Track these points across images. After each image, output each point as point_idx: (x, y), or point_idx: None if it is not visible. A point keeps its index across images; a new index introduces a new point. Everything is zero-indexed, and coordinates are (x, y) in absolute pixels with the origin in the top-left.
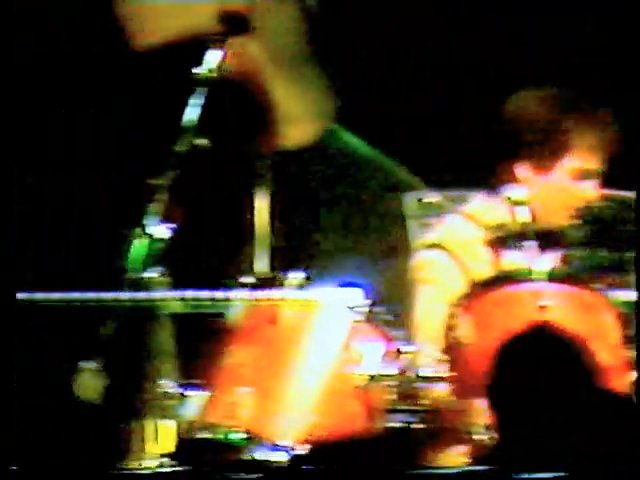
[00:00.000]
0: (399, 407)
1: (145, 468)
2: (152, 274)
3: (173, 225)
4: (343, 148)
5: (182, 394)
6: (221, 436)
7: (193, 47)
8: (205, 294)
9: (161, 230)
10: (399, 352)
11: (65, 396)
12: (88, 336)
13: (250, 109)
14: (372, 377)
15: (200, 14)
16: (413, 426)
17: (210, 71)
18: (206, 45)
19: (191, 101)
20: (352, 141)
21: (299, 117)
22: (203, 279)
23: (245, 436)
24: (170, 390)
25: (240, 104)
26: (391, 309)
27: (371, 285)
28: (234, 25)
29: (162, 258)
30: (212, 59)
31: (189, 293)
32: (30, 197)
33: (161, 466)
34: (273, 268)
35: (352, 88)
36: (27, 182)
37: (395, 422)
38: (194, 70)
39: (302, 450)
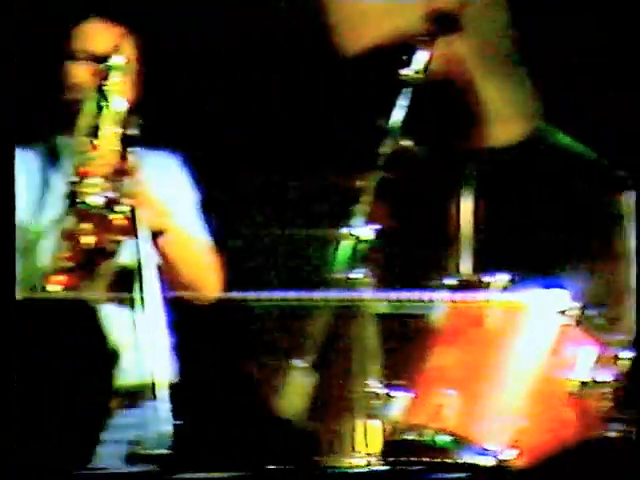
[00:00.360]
0: (615, 416)
1: (354, 467)
2: (357, 275)
3: (378, 226)
4: (553, 146)
5: (388, 394)
6: (427, 438)
7: (400, 48)
8: (409, 295)
9: (366, 231)
10: (616, 358)
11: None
12: (295, 336)
13: (456, 109)
14: (585, 383)
15: (409, 14)
16: (630, 436)
17: (417, 72)
18: (414, 46)
19: (397, 102)
20: (563, 139)
21: (507, 116)
22: (407, 280)
23: (451, 439)
24: (376, 390)
25: (446, 104)
26: (604, 313)
27: (580, 288)
28: (444, 25)
29: (367, 259)
30: (419, 60)
31: (393, 294)
32: (242, 196)
33: (369, 465)
34: (477, 269)
35: (560, 86)
36: (238, 183)
37: (611, 431)
38: (401, 71)
39: (510, 455)
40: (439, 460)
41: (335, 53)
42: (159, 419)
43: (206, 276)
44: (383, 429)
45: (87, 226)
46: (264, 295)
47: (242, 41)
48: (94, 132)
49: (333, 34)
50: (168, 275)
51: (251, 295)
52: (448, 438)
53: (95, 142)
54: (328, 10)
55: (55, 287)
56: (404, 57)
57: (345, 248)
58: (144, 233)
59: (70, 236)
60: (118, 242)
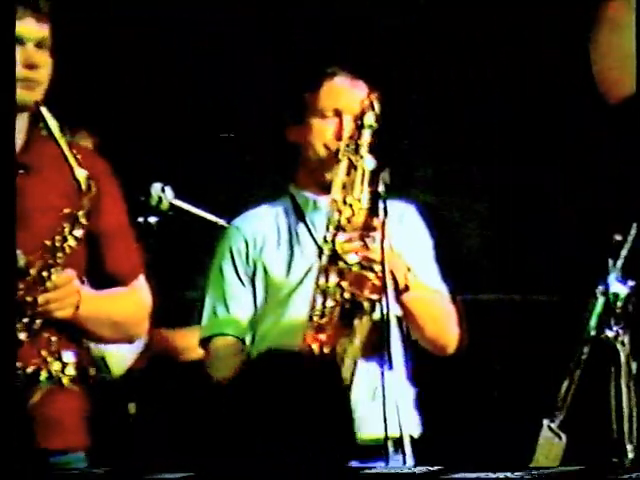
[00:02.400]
0: None
1: None
2: (612, 333)
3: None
4: None
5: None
6: None
7: None
8: None
9: (622, 288)
10: None
11: None
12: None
13: None
14: None
15: None
16: None
17: None
18: None
19: None
20: None
21: None
22: None
23: None
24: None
25: None
26: None
27: None
28: None
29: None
30: None
31: None
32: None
33: None
34: None
35: None
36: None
37: None
38: None
39: None
40: None
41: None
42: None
43: (448, 329)
44: None
45: (345, 283)
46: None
47: None
48: (346, 189)
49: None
50: (412, 330)
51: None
52: None
53: (347, 199)
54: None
55: (314, 344)
56: None
57: (601, 305)
58: (392, 290)
59: (327, 293)
60: (372, 300)
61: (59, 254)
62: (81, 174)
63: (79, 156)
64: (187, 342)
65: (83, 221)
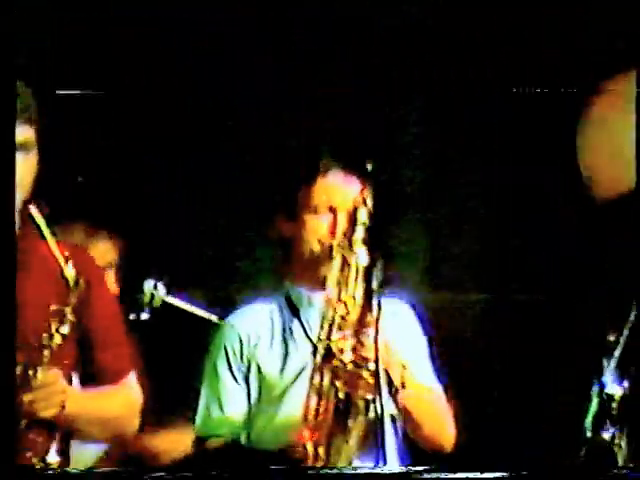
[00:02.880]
0: None
1: None
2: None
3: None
4: None
5: None
6: None
7: None
8: None
9: (617, 388)
10: None
11: None
12: None
13: None
14: None
15: None
16: None
17: None
18: None
19: None
20: None
21: None
22: None
23: None
24: None
25: None
26: None
27: None
28: None
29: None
30: None
31: None
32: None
33: None
34: None
35: None
36: None
37: None
38: None
39: None
40: None
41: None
42: None
43: (444, 428)
44: None
45: (339, 383)
46: None
47: None
48: (340, 286)
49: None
50: (408, 428)
51: None
52: None
53: (341, 296)
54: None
55: (308, 443)
56: None
57: (596, 406)
58: (386, 388)
59: (321, 393)
60: (366, 399)
61: (45, 352)
62: (69, 271)
63: (67, 253)
64: (165, 445)
65: (71, 317)
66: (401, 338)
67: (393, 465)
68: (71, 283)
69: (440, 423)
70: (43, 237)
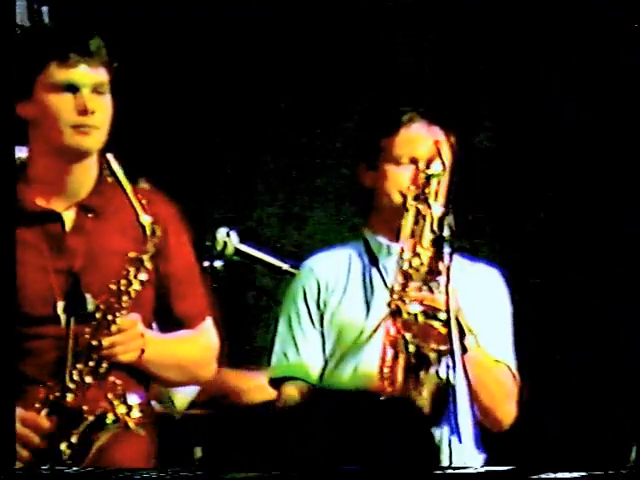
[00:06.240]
0: None
1: None
2: None
3: None
4: None
5: None
6: None
7: None
8: None
9: None
10: None
11: None
12: None
13: None
14: None
15: None
16: None
17: None
18: None
19: None
20: None
21: None
22: None
23: None
24: None
25: None
26: None
27: None
28: None
29: None
30: None
31: None
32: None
33: None
34: None
35: None
36: None
37: None
38: None
39: None
40: None
41: None
42: None
43: (503, 404)
44: None
45: (410, 334)
46: None
47: None
48: (414, 237)
49: None
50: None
51: None
52: None
53: (416, 247)
54: None
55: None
56: None
57: None
58: (458, 344)
59: (393, 343)
60: (439, 351)
61: (124, 298)
62: (146, 219)
63: (144, 201)
64: (247, 385)
65: (148, 265)
66: (479, 300)
67: (467, 437)
68: (147, 231)
69: (500, 398)
70: (120, 185)
